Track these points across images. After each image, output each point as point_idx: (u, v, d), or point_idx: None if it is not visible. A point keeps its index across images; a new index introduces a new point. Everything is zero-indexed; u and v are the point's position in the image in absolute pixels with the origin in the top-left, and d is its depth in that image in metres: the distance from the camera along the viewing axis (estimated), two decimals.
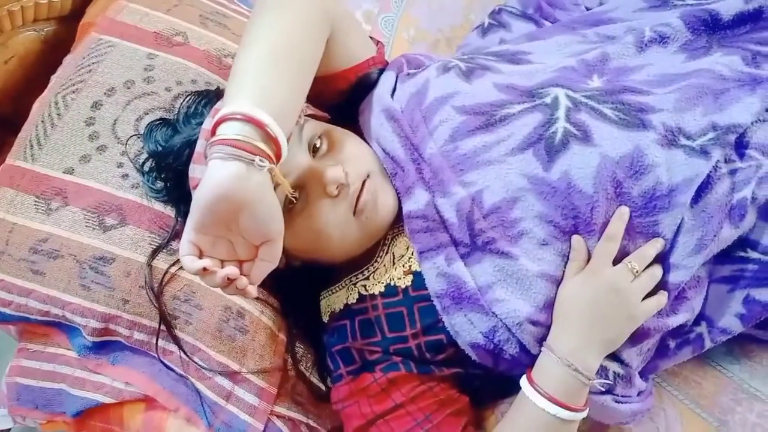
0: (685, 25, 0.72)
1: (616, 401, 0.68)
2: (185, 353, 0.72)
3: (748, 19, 0.71)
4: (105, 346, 0.75)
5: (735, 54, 0.69)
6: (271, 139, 0.55)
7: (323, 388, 0.77)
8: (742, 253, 0.68)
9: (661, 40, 0.73)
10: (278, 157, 0.56)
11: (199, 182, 0.64)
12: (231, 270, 0.54)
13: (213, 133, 0.55)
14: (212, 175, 0.53)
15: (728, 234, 0.65)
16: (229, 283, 0.54)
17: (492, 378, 0.72)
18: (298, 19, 0.64)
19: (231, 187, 0.52)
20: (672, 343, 0.71)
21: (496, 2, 1.09)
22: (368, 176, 0.69)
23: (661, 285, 0.65)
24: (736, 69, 0.68)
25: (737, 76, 0.67)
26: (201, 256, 0.54)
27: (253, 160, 0.53)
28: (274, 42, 0.61)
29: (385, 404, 0.68)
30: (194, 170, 0.66)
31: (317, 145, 0.68)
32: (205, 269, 0.53)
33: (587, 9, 0.98)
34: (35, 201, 0.75)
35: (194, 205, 0.53)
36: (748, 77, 0.67)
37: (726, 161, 0.64)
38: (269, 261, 0.57)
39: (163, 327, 0.72)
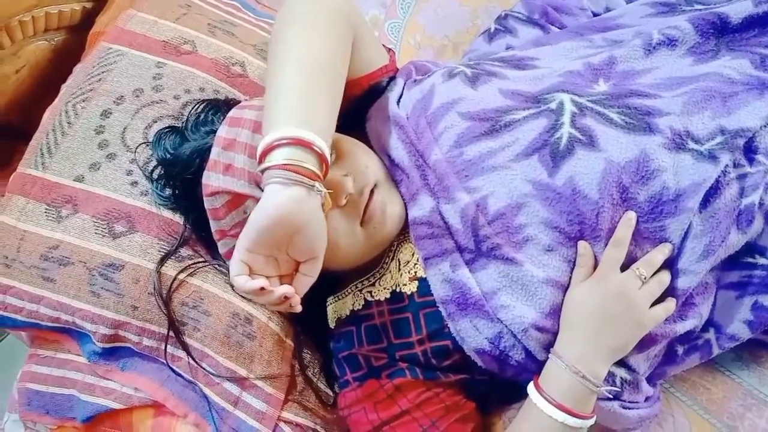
0: (694, 28, 0.71)
1: (624, 407, 0.67)
2: (193, 359, 0.72)
3: (757, 23, 0.71)
4: (114, 352, 0.75)
5: (744, 57, 0.68)
6: (320, 159, 0.57)
7: (331, 394, 0.77)
8: (750, 259, 0.68)
9: (670, 42, 0.72)
10: (325, 175, 0.58)
11: (214, 188, 0.65)
12: (287, 289, 0.56)
13: (262, 157, 0.56)
14: (273, 199, 0.54)
15: (736, 240, 0.65)
16: (284, 301, 0.56)
17: (499, 384, 0.72)
18: (328, 34, 0.65)
19: (293, 211, 0.54)
20: (680, 349, 0.71)
21: (503, 8, 1.09)
22: (376, 186, 0.69)
23: (669, 291, 0.65)
24: (745, 72, 0.67)
25: (746, 79, 0.66)
26: (250, 274, 0.56)
27: (313, 186, 0.55)
28: (309, 59, 0.62)
29: (391, 410, 0.69)
30: (209, 177, 0.67)
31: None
32: (262, 289, 0.55)
33: (594, 14, 0.98)
34: (46, 209, 0.76)
35: (252, 226, 0.55)
36: (757, 81, 0.66)
37: (735, 166, 0.64)
38: (311, 276, 0.59)
39: (171, 333, 0.72)
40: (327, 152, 0.57)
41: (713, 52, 0.71)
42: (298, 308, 0.58)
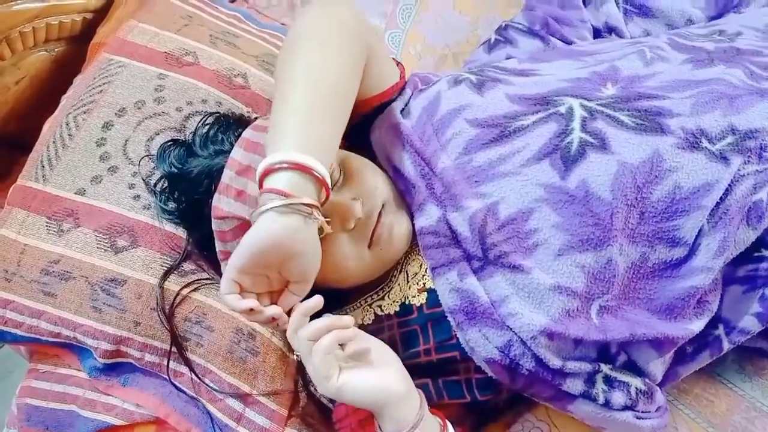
0: (672, 49, 0.74)
1: (638, 417, 0.67)
2: (196, 375, 0.72)
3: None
4: (116, 367, 0.74)
5: (737, 68, 0.69)
6: (320, 185, 0.57)
7: (333, 409, 0.77)
8: (757, 253, 0.67)
9: (662, 58, 0.73)
10: (326, 201, 0.58)
11: (224, 213, 0.65)
12: (276, 310, 0.57)
13: (262, 179, 0.56)
14: (268, 226, 0.54)
15: (745, 236, 0.64)
16: (273, 321, 0.57)
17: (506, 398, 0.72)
18: (340, 52, 0.64)
19: (288, 239, 0.54)
20: (689, 348, 0.70)
21: (503, 18, 1.09)
22: (383, 206, 0.68)
23: (686, 290, 0.64)
24: (742, 80, 0.68)
25: (745, 85, 0.67)
26: (240, 291, 0.56)
27: (311, 214, 0.55)
28: (318, 78, 0.61)
29: (373, 427, 0.67)
30: (220, 200, 0.66)
31: (335, 176, 0.68)
32: (252, 310, 0.55)
33: (594, 28, 0.99)
34: (47, 222, 0.75)
35: (244, 250, 0.54)
36: (755, 88, 0.67)
37: (745, 163, 0.63)
38: (299, 295, 0.59)
39: (174, 349, 0.71)
40: (327, 178, 0.57)
41: (708, 62, 0.72)
42: (286, 326, 0.58)
